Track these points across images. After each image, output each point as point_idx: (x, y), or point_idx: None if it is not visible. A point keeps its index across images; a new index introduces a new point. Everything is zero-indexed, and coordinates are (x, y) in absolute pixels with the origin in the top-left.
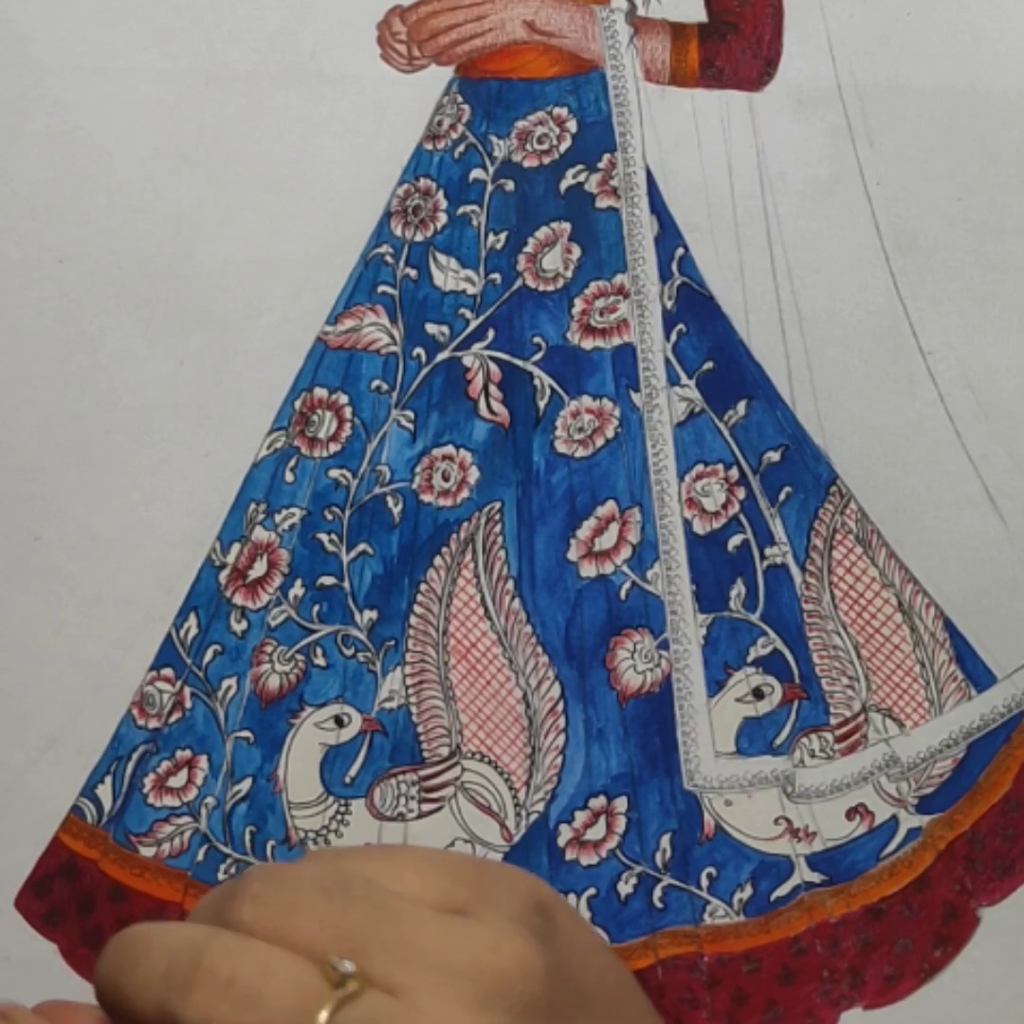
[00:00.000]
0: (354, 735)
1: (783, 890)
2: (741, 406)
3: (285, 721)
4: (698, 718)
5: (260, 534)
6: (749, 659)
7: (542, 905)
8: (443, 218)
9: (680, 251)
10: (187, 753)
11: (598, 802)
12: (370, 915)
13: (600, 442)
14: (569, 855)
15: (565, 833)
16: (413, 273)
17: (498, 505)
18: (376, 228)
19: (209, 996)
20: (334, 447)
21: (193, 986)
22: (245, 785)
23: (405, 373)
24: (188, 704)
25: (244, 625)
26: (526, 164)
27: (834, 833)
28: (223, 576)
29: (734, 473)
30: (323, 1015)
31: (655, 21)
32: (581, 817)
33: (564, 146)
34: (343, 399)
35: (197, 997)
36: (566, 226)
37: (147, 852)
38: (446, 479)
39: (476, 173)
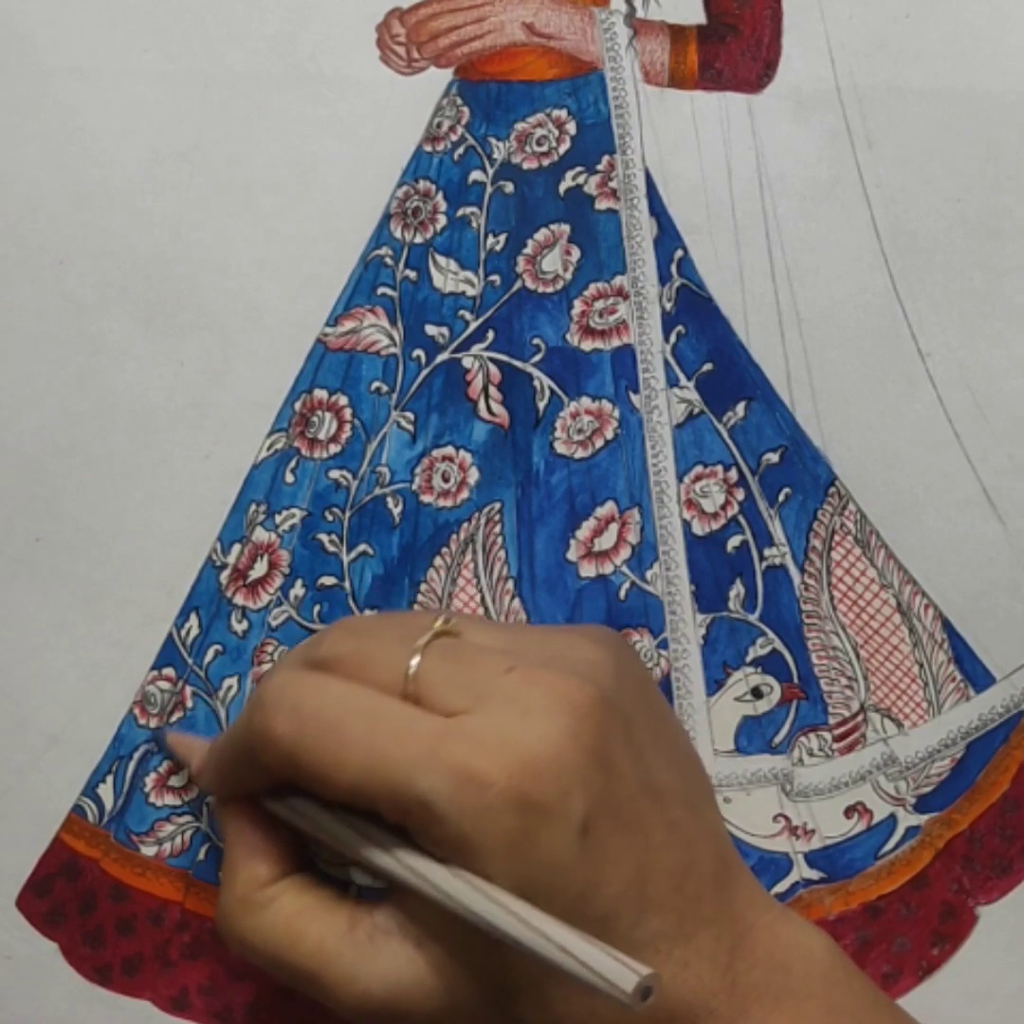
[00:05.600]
0: None
1: (781, 887)
2: (740, 407)
3: None
4: (697, 717)
5: (260, 535)
6: (748, 659)
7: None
8: (442, 220)
9: (679, 253)
10: None
11: None
12: (445, 656)
13: (599, 443)
14: None
15: None
16: (413, 275)
17: (498, 506)
18: (375, 230)
19: (292, 722)
20: (334, 448)
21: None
22: None
23: (405, 374)
24: (189, 704)
25: (245, 625)
26: (525, 166)
27: (832, 831)
28: (224, 576)
29: (733, 474)
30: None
31: (654, 23)
32: None
33: (563, 148)
34: (343, 400)
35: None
36: (565, 228)
37: (148, 851)
38: (446, 480)
39: (475, 175)
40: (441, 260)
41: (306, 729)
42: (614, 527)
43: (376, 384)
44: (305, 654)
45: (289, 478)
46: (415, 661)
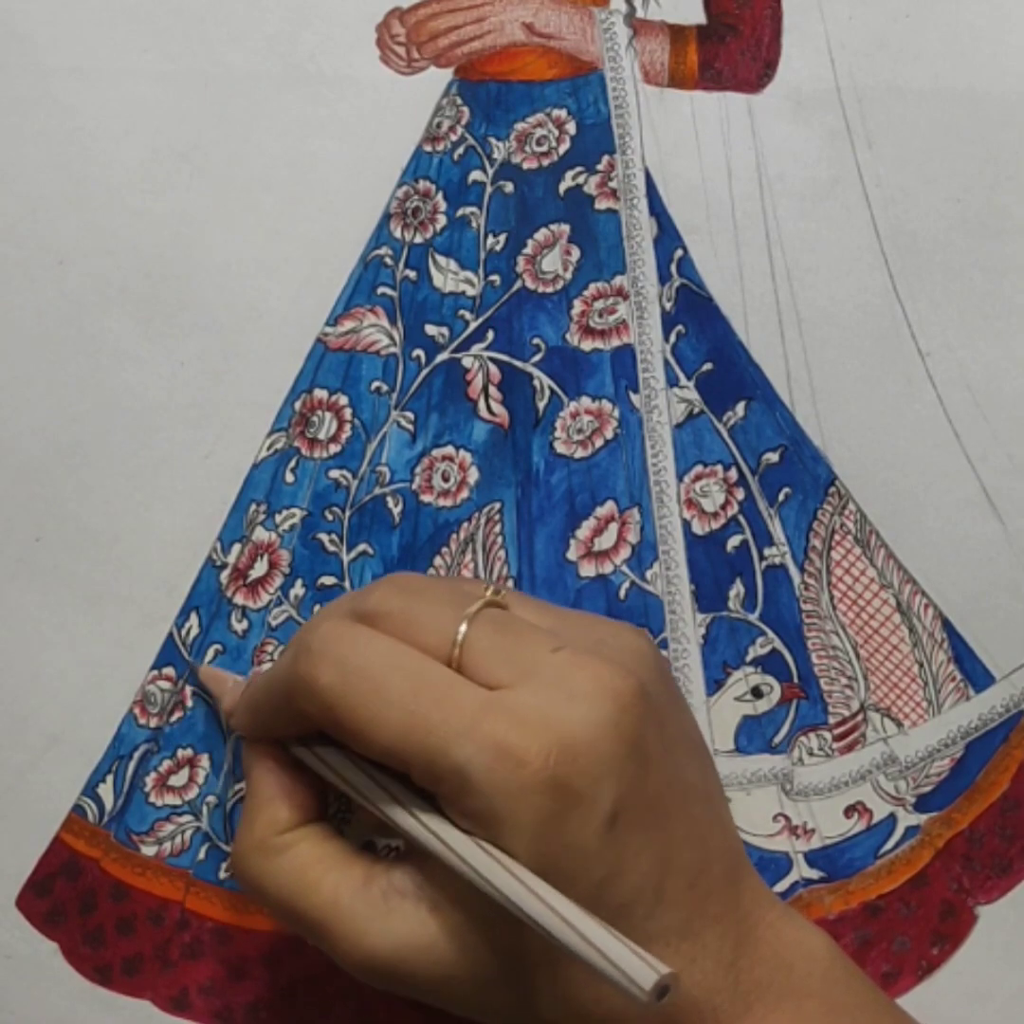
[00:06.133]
0: None
1: (781, 886)
2: (740, 407)
3: None
4: (697, 716)
5: (260, 534)
6: (748, 658)
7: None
8: (442, 220)
9: (679, 253)
10: (188, 752)
11: None
12: (493, 628)
13: (599, 443)
14: None
15: None
16: (412, 275)
17: (498, 505)
18: (375, 230)
19: (335, 673)
20: (334, 448)
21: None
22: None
23: (405, 374)
24: (189, 703)
25: (245, 625)
26: (525, 166)
27: (832, 830)
28: (224, 576)
29: (733, 474)
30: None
31: (654, 23)
32: None
33: (563, 148)
34: (343, 400)
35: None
36: (565, 228)
37: (148, 851)
38: (446, 479)
39: (475, 175)
40: (441, 260)
41: (350, 683)
42: (614, 527)
43: (376, 384)
44: (353, 605)
45: (289, 478)
46: (463, 628)
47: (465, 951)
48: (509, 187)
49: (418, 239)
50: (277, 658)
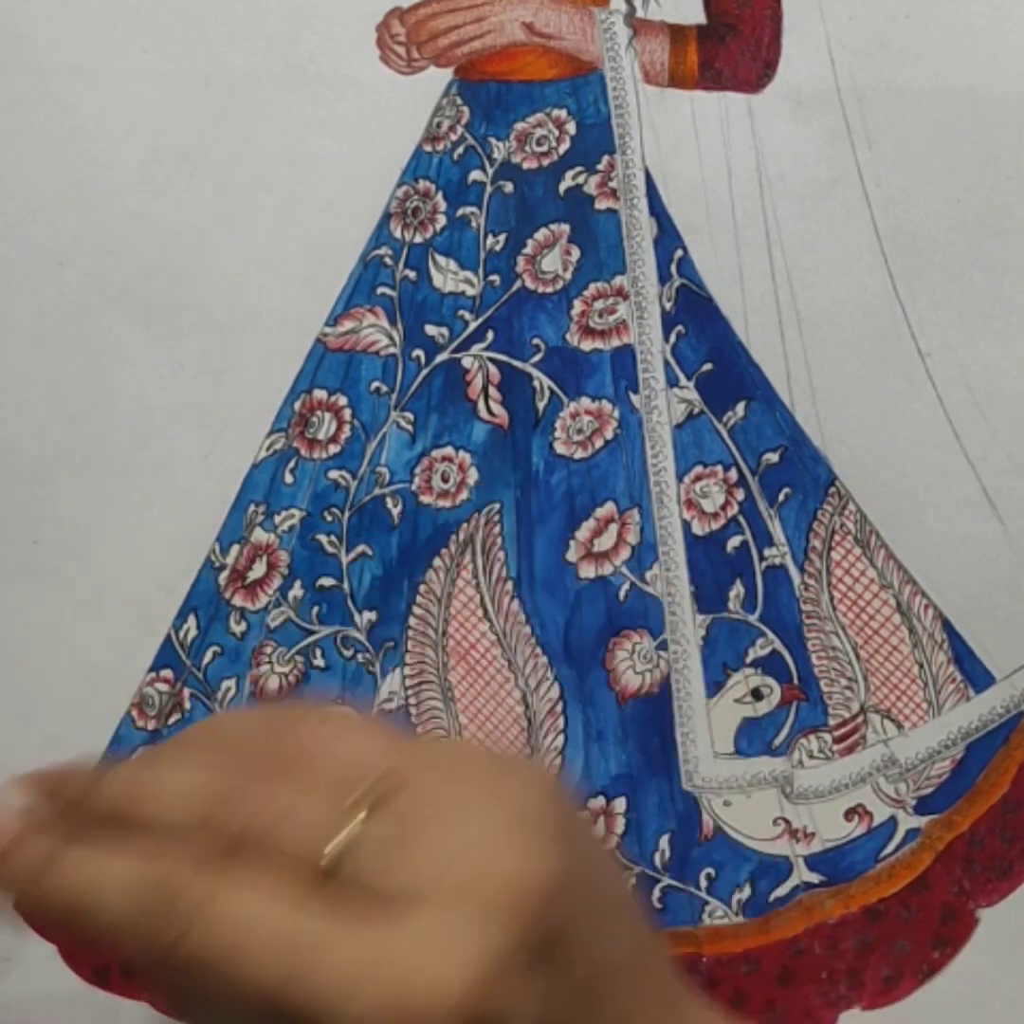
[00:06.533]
0: None
1: (782, 891)
2: (740, 407)
3: None
4: (697, 719)
5: (260, 535)
6: (748, 660)
7: (556, 805)
8: (442, 220)
9: (679, 253)
10: None
11: (597, 803)
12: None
13: (599, 443)
14: None
15: None
16: (412, 275)
17: (497, 506)
18: (375, 230)
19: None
20: (333, 448)
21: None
22: None
23: (404, 374)
24: (187, 705)
25: (243, 626)
26: (525, 166)
27: (833, 834)
28: (222, 577)
29: (733, 474)
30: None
31: (654, 23)
32: None
33: (563, 148)
34: (342, 401)
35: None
36: (565, 228)
37: None
38: (445, 480)
39: (475, 175)
40: (441, 260)
41: (205, 940)
42: (614, 528)
43: (376, 384)
44: (213, 818)
45: (288, 478)
46: (333, 847)
47: None
48: (509, 187)
49: (418, 239)
50: (87, 865)
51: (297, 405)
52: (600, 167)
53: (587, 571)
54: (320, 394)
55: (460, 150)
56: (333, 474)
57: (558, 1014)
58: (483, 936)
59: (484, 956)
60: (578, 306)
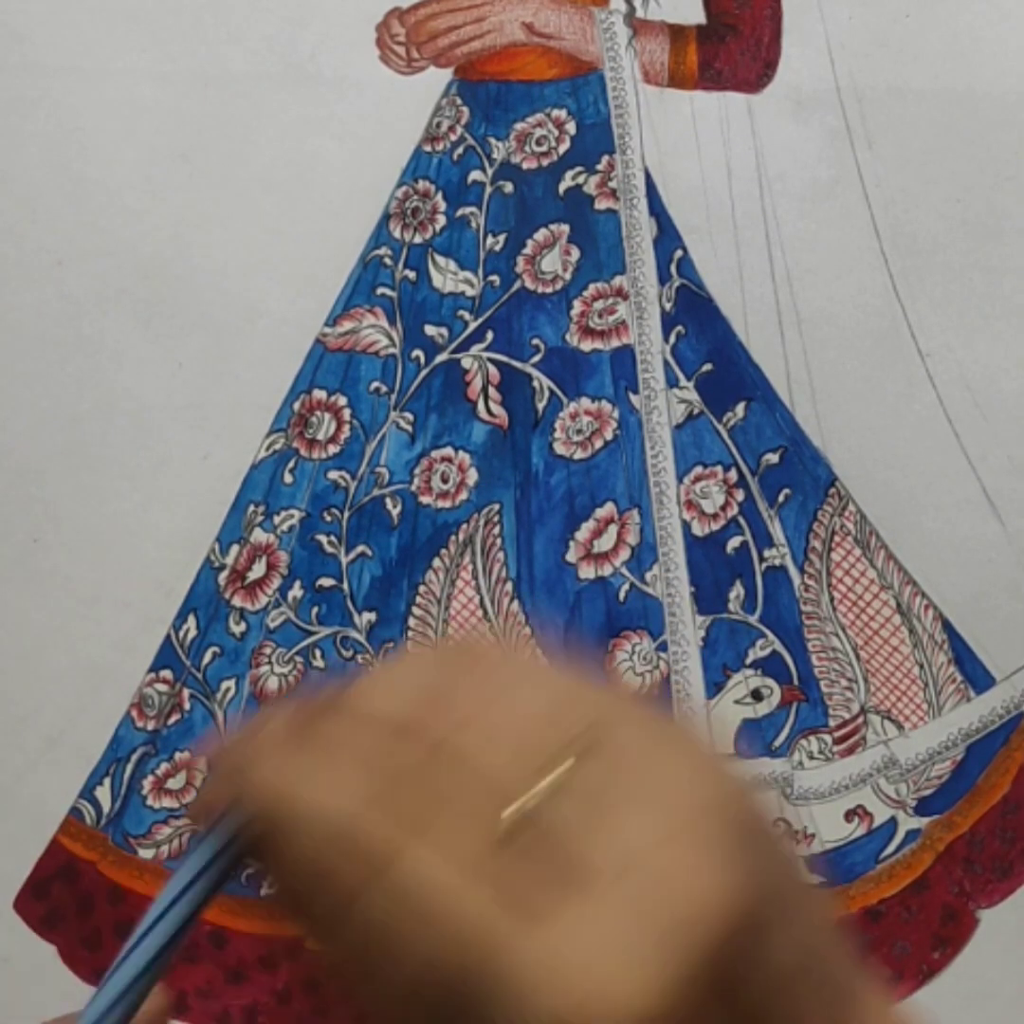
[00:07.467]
0: None
1: None
2: (740, 408)
3: None
4: (697, 720)
5: (259, 536)
6: (748, 661)
7: (754, 812)
8: (442, 220)
9: (679, 253)
10: (186, 755)
11: None
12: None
13: (599, 444)
14: None
15: None
16: (412, 275)
17: (497, 507)
18: (375, 230)
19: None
20: (333, 449)
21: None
22: None
23: (404, 375)
24: (187, 706)
25: (243, 627)
26: (525, 166)
27: (833, 835)
28: (222, 578)
29: (733, 475)
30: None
31: (654, 23)
32: None
33: (563, 148)
34: (342, 401)
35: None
36: (565, 228)
37: (146, 854)
38: (445, 481)
39: (475, 175)
40: (440, 260)
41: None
42: (613, 528)
43: (375, 384)
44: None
45: (288, 478)
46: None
47: None
48: (509, 187)
49: (417, 239)
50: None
51: (297, 405)
52: (600, 167)
53: (587, 572)
54: (320, 394)
55: (460, 150)
56: (333, 474)
57: None
58: (670, 953)
59: (667, 975)
60: (578, 306)
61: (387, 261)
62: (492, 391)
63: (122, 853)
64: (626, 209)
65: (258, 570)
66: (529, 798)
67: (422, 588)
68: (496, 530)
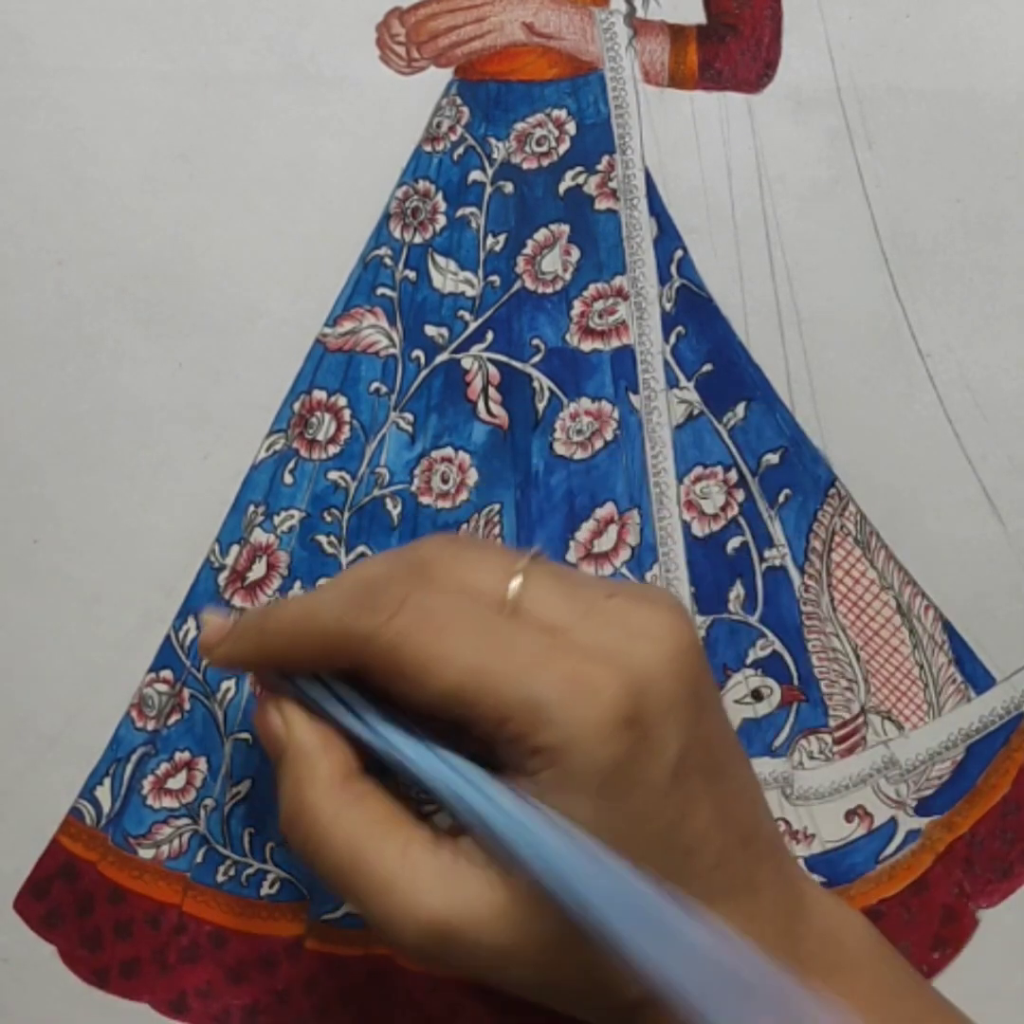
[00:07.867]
0: None
1: None
2: (740, 408)
3: None
4: None
5: (259, 536)
6: (748, 661)
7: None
8: (442, 220)
9: (679, 253)
10: (186, 755)
11: None
12: (546, 576)
13: (599, 444)
14: None
15: None
16: (412, 275)
17: (497, 507)
18: (375, 230)
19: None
20: (333, 449)
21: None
22: (244, 787)
23: (404, 375)
24: (187, 706)
25: None
26: (525, 166)
27: (833, 835)
28: (222, 578)
29: (733, 475)
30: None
31: (654, 23)
32: None
33: (563, 148)
34: (342, 401)
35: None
36: (565, 228)
37: (146, 854)
38: (445, 481)
39: (475, 175)
40: (440, 260)
41: (415, 623)
42: (613, 529)
43: (375, 385)
44: (402, 554)
45: (288, 479)
46: (516, 582)
47: (536, 921)
48: (509, 187)
49: (417, 239)
50: (304, 596)
51: (296, 406)
52: (600, 167)
53: (587, 572)
54: (320, 395)
55: (460, 150)
56: (333, 475)
57: (693, 759)
58: (642, 649)
59: (643, 664)
60: (578, 307)
61: (387, 261)
62: (492, 391)
63: (122, 853)
64: (626, 209)
65: (258, 570)
66: (521, 572)
67: None
68: (496, 530)
